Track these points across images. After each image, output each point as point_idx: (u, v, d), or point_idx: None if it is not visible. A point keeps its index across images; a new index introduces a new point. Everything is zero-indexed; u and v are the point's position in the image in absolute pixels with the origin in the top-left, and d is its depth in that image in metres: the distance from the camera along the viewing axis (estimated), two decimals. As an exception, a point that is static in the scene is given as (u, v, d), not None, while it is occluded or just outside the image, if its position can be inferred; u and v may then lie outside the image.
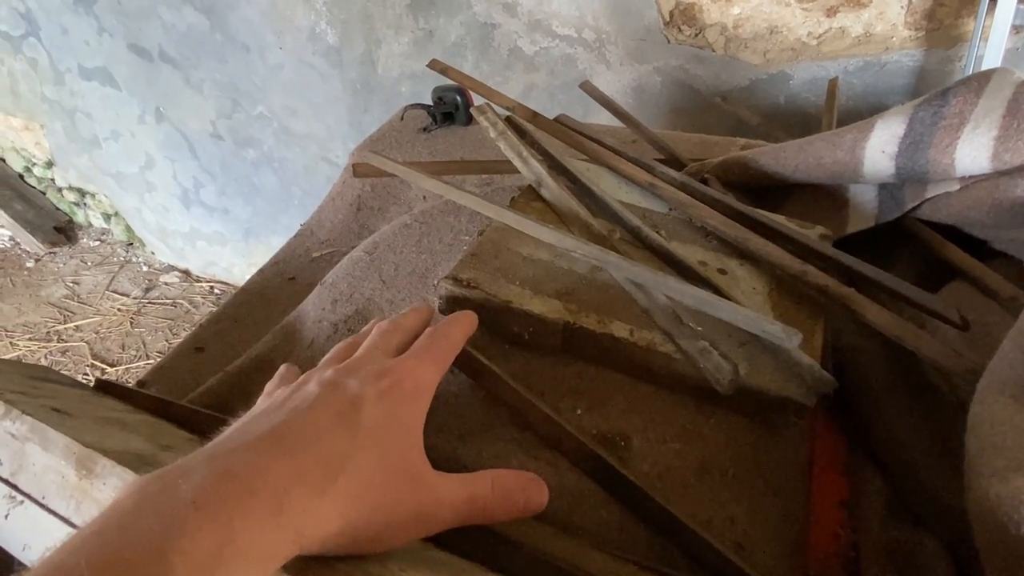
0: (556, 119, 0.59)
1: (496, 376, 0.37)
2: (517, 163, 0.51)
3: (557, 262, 0.43)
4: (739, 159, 0.58)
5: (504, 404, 0.37)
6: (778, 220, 0.47)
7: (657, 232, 0.46)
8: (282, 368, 0.36)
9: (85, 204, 2.45)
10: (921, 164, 0.47)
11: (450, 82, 0.69)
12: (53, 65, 2.01)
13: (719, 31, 1.16)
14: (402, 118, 0.76)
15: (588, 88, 0.69)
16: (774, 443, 0.38)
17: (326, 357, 0.34)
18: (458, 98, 0.75)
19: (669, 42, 1.20)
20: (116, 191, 2.30)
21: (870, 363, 0.44)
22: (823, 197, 0.56)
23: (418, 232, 0.52)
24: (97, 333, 2.05)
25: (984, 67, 0.93)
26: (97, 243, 2.47)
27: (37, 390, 0.37)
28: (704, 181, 0.58)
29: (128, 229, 2.41)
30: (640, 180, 0.50)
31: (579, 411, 0.37)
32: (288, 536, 0.22)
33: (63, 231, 2.48)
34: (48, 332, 2.05)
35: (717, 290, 0.40)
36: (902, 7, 1.03)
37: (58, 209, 2.51)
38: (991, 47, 0.90)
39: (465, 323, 0.35)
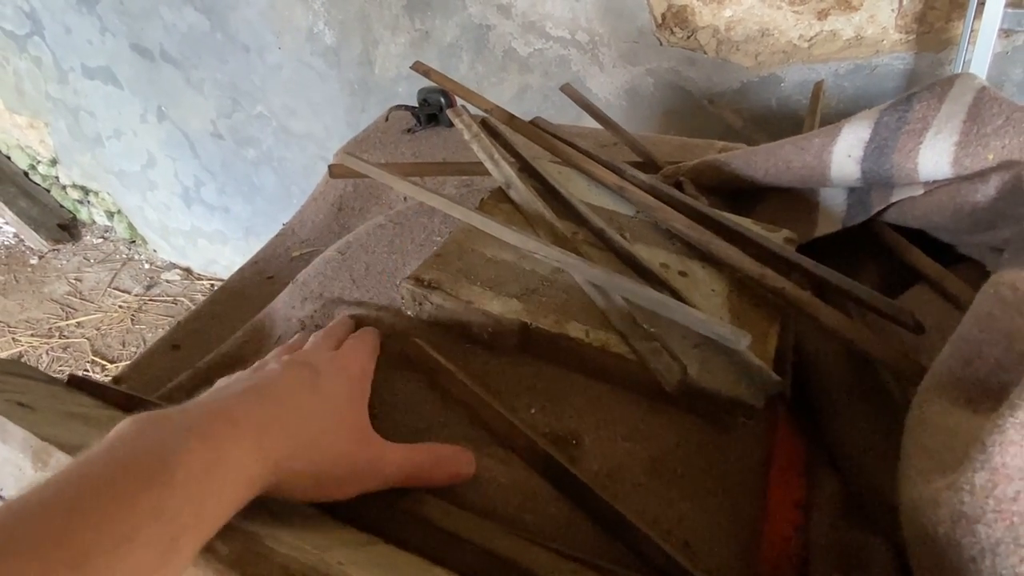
0: (532, 122, 0.59)
1: (452, 374, 0.38)
2: (488, 165, 0.51)
3: (520, 263, 0.43)
4: (712, 163, 0.58)
5: (459, 402, 0.38)
6: (742, 223, 0.48)
7: (621, 234, 0.46)
8: (297, 337, 0.43)
9: (88, 202, 2.47)
10: (886, 168, 0.48)
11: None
12: (57, 64, 2.03)
13: (711, 33, 1.16)
14: (387, 119, 0.77)
15: (569, 91, 0.70)
16: (726, 444, 0.38)
17: (274, 352, 0.39)
18: (442, 100, 0.76)
19: (661, 44, 1.20)
20: (119, 189, 2.32)
21: (830, 367, 0.44)
22: (794, 200, 0.56)
23: (391, 233, 0.53)
24: (98, 330, 2.07)
25: (972, 71, 0.93)
26: (100, 240, 2.49)
27: (5, 384, 0.38)
28: (678, 184, 0.59)
29: (130, 227, 2.43)
30: (609, 183, 0.51)
31: (533, 410, 0.38)
32: (267, 465, 0.26)
33: (67, 228, 2.51)
34: (50, 328, 2.07)
35: (675, 292, 0.41)
36: (893, 10, 1.03)
37: (62, 207, 2.53)
38: (979, 50, 0.90)
39: (374, 335, 0.41)
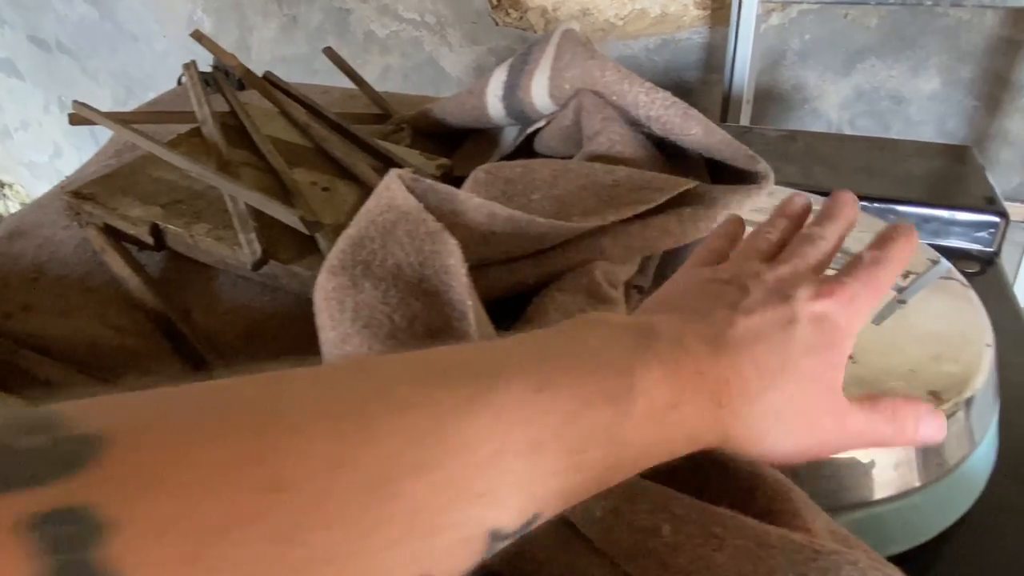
0: (263, 76, 0.67)
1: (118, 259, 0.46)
2: (196, 109, 0.59)
3: (180, 182, 0.51)
4: (425, 111, 0.67)
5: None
6: (392, 149, 0.57)
7: (287, 160, 0.55)
8: (728, 225, 0.34)
9: (4, 194, 2.50)
10: (517, 105, 0.57)
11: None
12: (-41, 57, 2.06)
13: (540, 13, 1.25)
14: (179, 83, 0.85)
15: (330, 54, 0.79)
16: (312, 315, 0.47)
17: (744, 246, 0.31)
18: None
19: (497, 24, 1.29)
20: (30, 180, 2.35)
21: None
22: (484, 142, 0.65)
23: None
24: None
25: (741, 42, 1.03)
26: (16, 233, 2.52)
27: None
28: (401, 130, 0.67)
29: (46, 218, 2.46)
30: (300, 122, 0.59)
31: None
32: (716, 429, 0.23)
33: (-18, 221, 2.53)
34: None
35: (300, 198, 0.49)
36: (690, -12, 1.13)
37: (-22, 200, 2.55)
38: (744, 22, 1.00)
39: (910, 244, 0.29)
